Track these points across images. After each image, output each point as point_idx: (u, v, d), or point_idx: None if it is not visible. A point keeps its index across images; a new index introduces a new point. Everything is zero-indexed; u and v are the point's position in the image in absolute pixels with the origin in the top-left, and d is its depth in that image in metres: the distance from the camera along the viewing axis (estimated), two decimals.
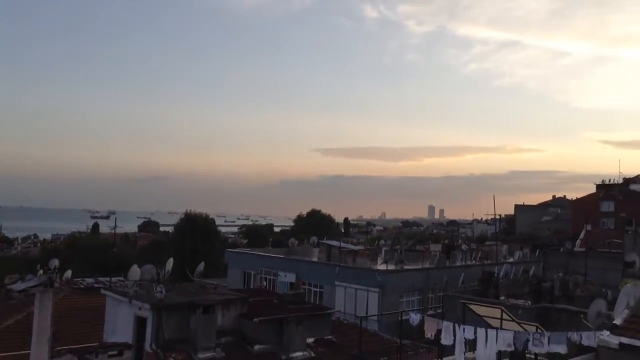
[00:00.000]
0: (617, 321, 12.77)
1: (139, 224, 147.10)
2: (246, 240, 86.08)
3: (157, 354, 17.00)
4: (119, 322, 19.10)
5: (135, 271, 21.29)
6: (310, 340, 20.45)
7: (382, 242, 65.88)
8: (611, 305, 16.10)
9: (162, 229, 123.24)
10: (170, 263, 22.37)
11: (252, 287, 39.67)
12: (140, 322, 18.18)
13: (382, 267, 38.52)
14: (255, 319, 19.44)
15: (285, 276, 39.60)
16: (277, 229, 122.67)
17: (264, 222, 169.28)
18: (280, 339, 19.54)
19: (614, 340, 11.85)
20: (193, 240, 55.99)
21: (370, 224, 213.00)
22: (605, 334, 12.27)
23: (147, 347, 17.61)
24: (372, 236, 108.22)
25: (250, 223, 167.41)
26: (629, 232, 43.08)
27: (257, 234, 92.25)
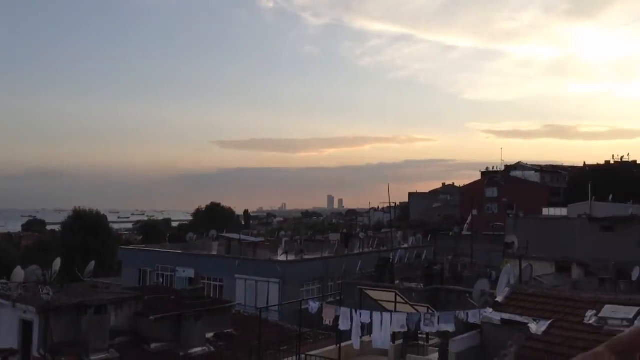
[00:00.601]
0: (499, 299, 13.73)
1: (23, 223, 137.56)
2: (141, 237, 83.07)
3: (46, 358, 16.06)
4: (2, 327, 17.83)
5: (19, 273, 19.95)
6: (209, 335, 20.19)
7: (283, 233, 66.20)
8: (494, 284, 17.28)
9: (49, 227, 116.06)
10: (57, 263, 21.16)
11: (148, 284, 38.41)
12: (25, 326, 17.08)
13: (282, 258, 38.72)
14: (151, 317, 18.89)
15: (184, 272, 38.73)
16: (175, 224, 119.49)
17: (161, 218, 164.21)
18: (178, 335, 19.13)
19: (496, 317, 12.74)
20: (83, 239, 53.19)
21: (270, 215, 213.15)
22: (489, 311, 13.16)
23: (34, 352, 16.58)
24: (273, 227, 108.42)
25: (147, 219, 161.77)
26: (510, 215, 46.36)
27: (154, 230, 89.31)
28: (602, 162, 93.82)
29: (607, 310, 12.00)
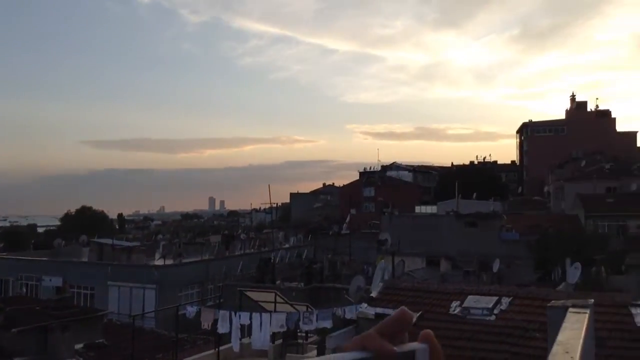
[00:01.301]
0: (373, 294, 14.24)
1: None
2: (2, 244, 76.31)
3: None
4: None
5: None
6: (79, 346, 19.01)
7: (160, 236, 64.02)
8: (371, 280, 17.93)
9: None
10: None
11: (9, 295, 35.36)
12: None
13: (159, 262, 37.42)
14: (13, 330, 17.42)
15: (50, 280, 36.12)
16: (41, 230, 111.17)
17: (25, 223, 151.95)
18: (44, 348, 17.81)
19: (371, 311, 13.20)
20: None
21: (148, 218, 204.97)
22: (364, 306, 13.61)
23: None
24: (150, 231, 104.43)
25: (9, 224, 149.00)
26: (386, 213, 48.35)
27: (17, 237, 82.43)
28: (467, 162, 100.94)
29: (470, 301, 12.87)
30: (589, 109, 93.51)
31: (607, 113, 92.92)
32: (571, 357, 1.08)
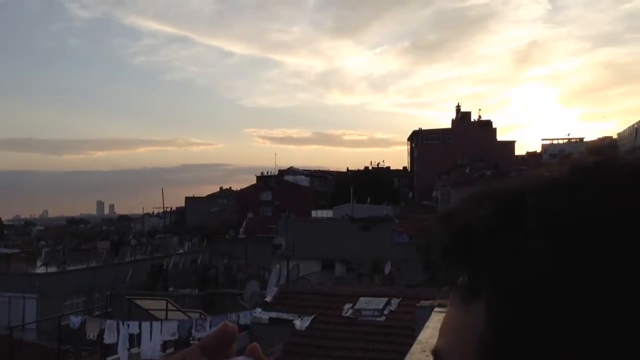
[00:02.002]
0: (268, 298, 14.28)
1: None
2: None
3: None
4: None
5: None
6: None
7: (43, 243, 60.10)
8: (267, 284, 17.92)
9: None
10: None
11: None
12: None
13: (41, 270, 35.11)
14: None
15: None
16: None
17: None
18: None
19: (265, 316, 13.23)
20: None
21: (29, 223, 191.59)
22: (258, 311, 13.60)
23: None
24: (32, 237, 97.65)
25: None
26: (282, 218, 48.58)
27: None
28: (362, 167, 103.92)
29: (362, 302, 13.27)
30: (472, 119, 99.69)
31: (488, 123, 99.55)
32: (427, 356, 1.15)
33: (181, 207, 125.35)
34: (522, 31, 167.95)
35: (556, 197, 0.43)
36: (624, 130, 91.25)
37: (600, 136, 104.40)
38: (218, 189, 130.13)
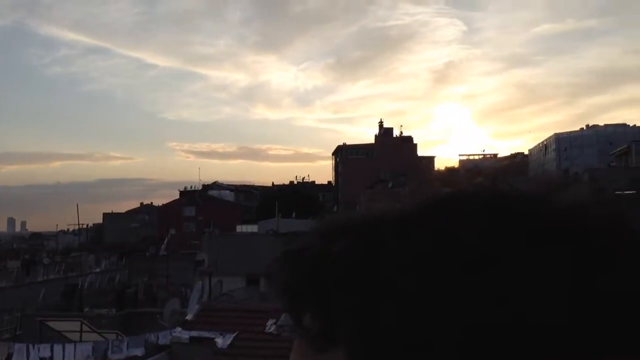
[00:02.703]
0: (189, 317, 13.91)
1: None
2: None
3: None
4: None
5: None
6: None
7: None
8: (187, 303, 17.46)
9: None
10: None
11: None
12: None
13: None
14: None
15: None
16: None
17: None
18: None
19: (185, 335, 12.86)
20: None
21: None
22: (178, 331, 13.21)
23: None
24: None
25: None
26: (206, 233, 47.72)
27: None
28: (287, 182, 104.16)
29: (285, 318, 13.20)
30: (394, 135, 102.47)
31: (409, 139, 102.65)
32: None
33: (98, 224, 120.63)
34: (440, 51, 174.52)
35: (415, 233, 0.40)
36: (534, 147, 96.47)
37: (513, 152, 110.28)
38: (138, 205, 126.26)
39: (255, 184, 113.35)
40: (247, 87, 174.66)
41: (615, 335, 0.33)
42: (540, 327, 0.33)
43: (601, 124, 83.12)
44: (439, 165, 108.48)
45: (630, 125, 79.59)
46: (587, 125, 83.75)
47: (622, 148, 48.69)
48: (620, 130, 76.06)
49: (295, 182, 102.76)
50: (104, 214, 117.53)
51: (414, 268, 0.38)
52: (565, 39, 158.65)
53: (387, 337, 0.37)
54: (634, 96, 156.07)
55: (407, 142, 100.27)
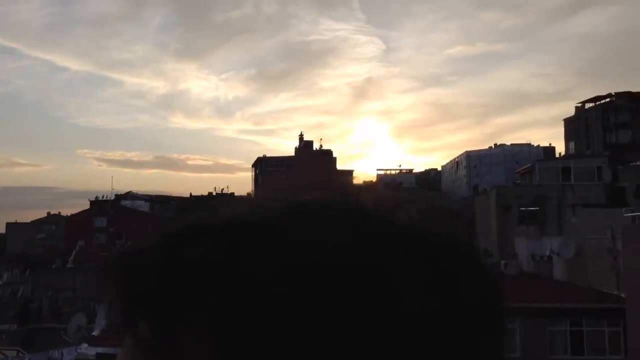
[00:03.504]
0: (96, 332, 13.36)
1: None
2: None
3: None
4: None
5: None
6: None
7: None
8: (95, 318, 16.76)
9: None
10: None
11: None
12: None
13: None
14: None
15: None
16: None
17: None
18: None
19: (92, 352, 12.34)
20: None
21: None
22: (84, 347, 12.65)
23: None
24: None
25: None
26: (118, 245, 46.06)
27: None
28: (206, 193, 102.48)
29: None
30: (314, 148, 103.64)
31: (329, 152, 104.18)
32: None
33: (1, 234, 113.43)
34: (360, 68, 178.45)
35: (272, 241, 0.40)
36: (447, 163, 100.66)
37: (427, 168, 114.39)
38: (45, 214, 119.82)
39: (172, 195, 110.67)
40: (165, 95, 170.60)
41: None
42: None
43: (508, 143, 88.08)
44: (358, 179, 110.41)
45: (535, 145, 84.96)
46: (496, 144, 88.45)
47: (526, 167, 51.68)
48: (525, 149, 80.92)
49: (214, 193, 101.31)
50: (7, 223, 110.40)
51: (275, 278, 0.37)
52: (477, 61, 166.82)
53: (248, 345, 0.36)
54: (537, 118, 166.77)
55: (327, 156, 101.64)
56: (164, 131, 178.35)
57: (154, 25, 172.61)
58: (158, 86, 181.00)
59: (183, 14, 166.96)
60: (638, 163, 43.05)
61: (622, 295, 19.73)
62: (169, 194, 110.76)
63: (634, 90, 71.39)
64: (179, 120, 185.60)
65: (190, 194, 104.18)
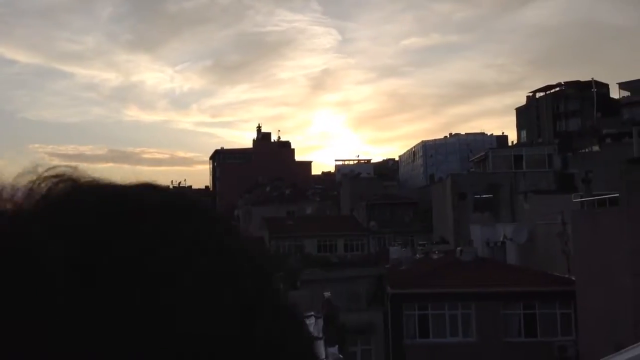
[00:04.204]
0: None
1: None
2: None
3: None
4: None
5: None
6: None
7: None
8: None
9: None
10: None
11: None
12: None
13: None
14: None
15: None
16: None
17: None
18: None
19: None
20: None
21: None
22: None
23: None
24: None
25: None
26: None
27: None
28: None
29: None
30: (272, 140, 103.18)
31: (287, 144, 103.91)
32: None
33: None
34: (316, 59, 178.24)
35: (34, 230, 0.35)
36: (404, 153, 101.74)
37: (385, 158, 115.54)
38: None
39: None
40: (118, 87, 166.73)
41: None
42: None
43: (463, 132, 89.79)
44: (316, 170, 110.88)
45: (488, 134, 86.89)
46: (451, 134, 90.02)
47: (480, 155, 52.80)
48: (479, 138, 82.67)
49: (171, 187, 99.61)
50: None
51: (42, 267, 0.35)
52: (431, 52, 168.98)
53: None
54: (490, 107, 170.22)
55: (285, 147, 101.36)
56: (118, 124, 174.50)
57: (105, 15, 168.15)
58: (110, 78, 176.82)
59: (135, 4, 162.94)
60: (586, 150, 44.57)
61: (573, 278, 20.42)
62: None
63: (583, 79, 73.79)
64: (133, 113, 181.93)
65: None
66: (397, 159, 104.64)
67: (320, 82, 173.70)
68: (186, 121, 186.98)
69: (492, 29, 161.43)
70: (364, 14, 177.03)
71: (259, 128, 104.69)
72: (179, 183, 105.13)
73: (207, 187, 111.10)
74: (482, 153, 52.28)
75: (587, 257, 17.02)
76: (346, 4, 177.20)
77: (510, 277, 23.32)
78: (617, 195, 14.95)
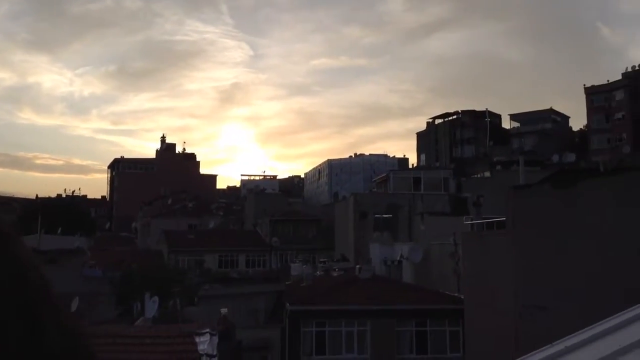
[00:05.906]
0: None
1: None
2: None
3: None
4: None
5: None
6: None
7: None
8: None
9: None
10: None
11: None
12: None
13: None
14: None
15: None
16: None
17: None
18: None
19: None
20: None
21: None
22: None
23: None
24: None
25: None
26: None
27: None
28: (54, 195, 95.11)
29: None
30: (177, 151, 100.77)
31: (192, 156, 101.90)
32: None
33: None
34: (227, 72, 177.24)
35: None
36: (310, 171, 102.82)
37: (291, 175, 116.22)
38: None
39: (17, 196, 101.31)
40: (12, 87, 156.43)
41: None
42: None
43: (367, 153, 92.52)
44: (221, 184, 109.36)
45: (390, 156, 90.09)
46: (356, 154, 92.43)
47: (382, 176, 54.54)
48: (382, 159, 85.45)
49: (64, 196, 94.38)
50: None
51: None
52: (340, 73, 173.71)
53: None
54: (393, 130, 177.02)
55: (190, 159, 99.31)
56: (10, 127, 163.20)
57: (0, 12, 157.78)
58: (4, 77, 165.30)
59: (34, 2, 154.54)
60: (479, 176, 47.31)
61: (462, 297, 21.43)
62: (12, 195, 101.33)
63: (478, 109, 78.58)
64: (27, 116, 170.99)
65: (37, 195, 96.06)
66: (302, 176, 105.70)
67: (229, 96, 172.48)
68: (84, 127, 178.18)
69: (398, 56, 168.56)
70: (275, 31, 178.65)
71: (163, 138, 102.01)
72: (73, 192, 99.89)
73: (103, 197, 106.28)
74: (384, 174, 54.01)
75: (475, 277, 17.93)
76: (258, 20, 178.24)
77: (404, 295, 24.12)
78: (504, 219, 15.93)
